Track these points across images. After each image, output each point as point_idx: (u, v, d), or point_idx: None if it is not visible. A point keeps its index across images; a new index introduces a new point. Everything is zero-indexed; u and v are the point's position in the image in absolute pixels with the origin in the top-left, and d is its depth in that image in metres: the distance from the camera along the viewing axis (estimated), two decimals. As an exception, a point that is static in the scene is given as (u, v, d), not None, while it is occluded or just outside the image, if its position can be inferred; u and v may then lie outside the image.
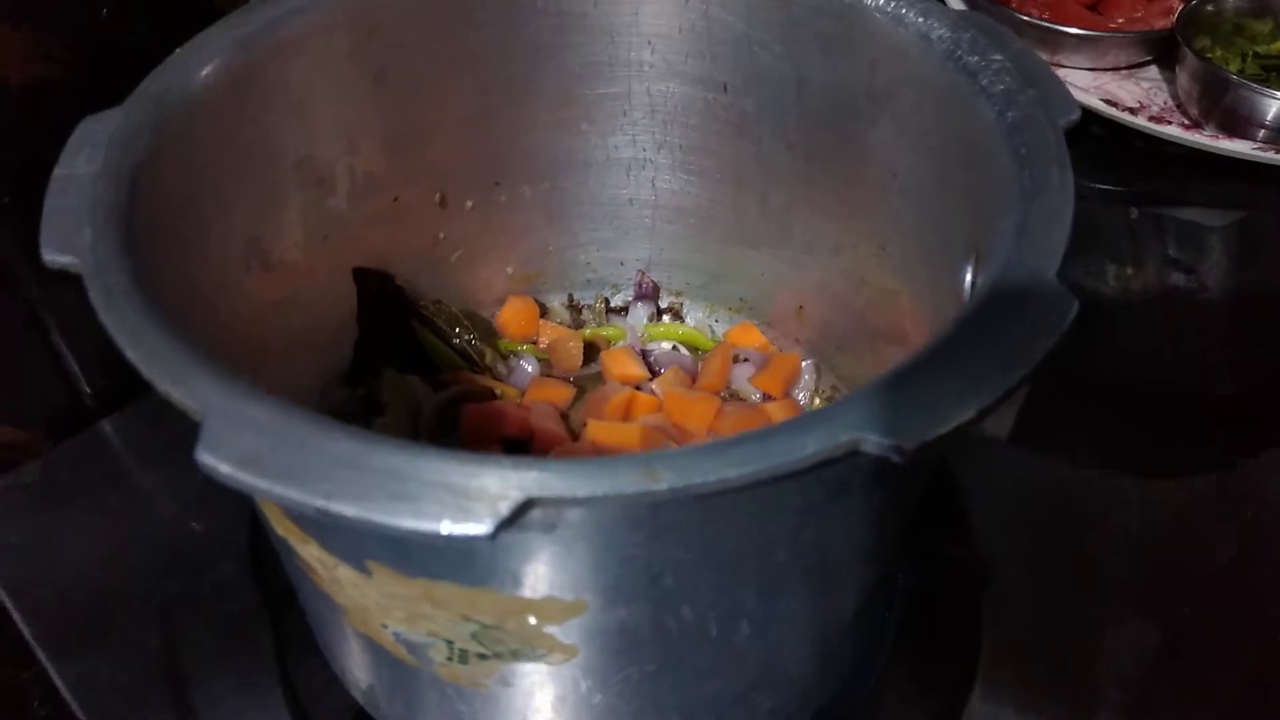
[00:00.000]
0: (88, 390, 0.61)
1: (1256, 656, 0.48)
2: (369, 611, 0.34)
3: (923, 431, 0.26)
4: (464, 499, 0.24)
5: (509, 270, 0.58)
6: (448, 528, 0.24)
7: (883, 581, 0.45)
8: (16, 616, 0.50)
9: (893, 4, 0.42)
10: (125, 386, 0.58)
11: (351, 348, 0.53)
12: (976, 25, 0.40)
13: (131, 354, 0.29)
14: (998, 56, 0.38)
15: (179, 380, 0.28)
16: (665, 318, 0.59)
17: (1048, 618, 0.50)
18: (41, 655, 0.49)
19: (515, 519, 0.25)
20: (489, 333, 0.58)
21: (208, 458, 0.25)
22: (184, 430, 0.27)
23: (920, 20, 0.41)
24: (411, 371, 0.54)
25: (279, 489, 0.25)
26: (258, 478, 0.25)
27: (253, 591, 0.51)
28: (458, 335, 0.56)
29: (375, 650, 0.38)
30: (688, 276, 0.59)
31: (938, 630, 0.49)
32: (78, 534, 0.54)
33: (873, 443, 0.26)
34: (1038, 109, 0.36)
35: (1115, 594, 0.50)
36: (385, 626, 0.35)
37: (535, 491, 0.25)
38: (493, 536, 0.24)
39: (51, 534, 0.54)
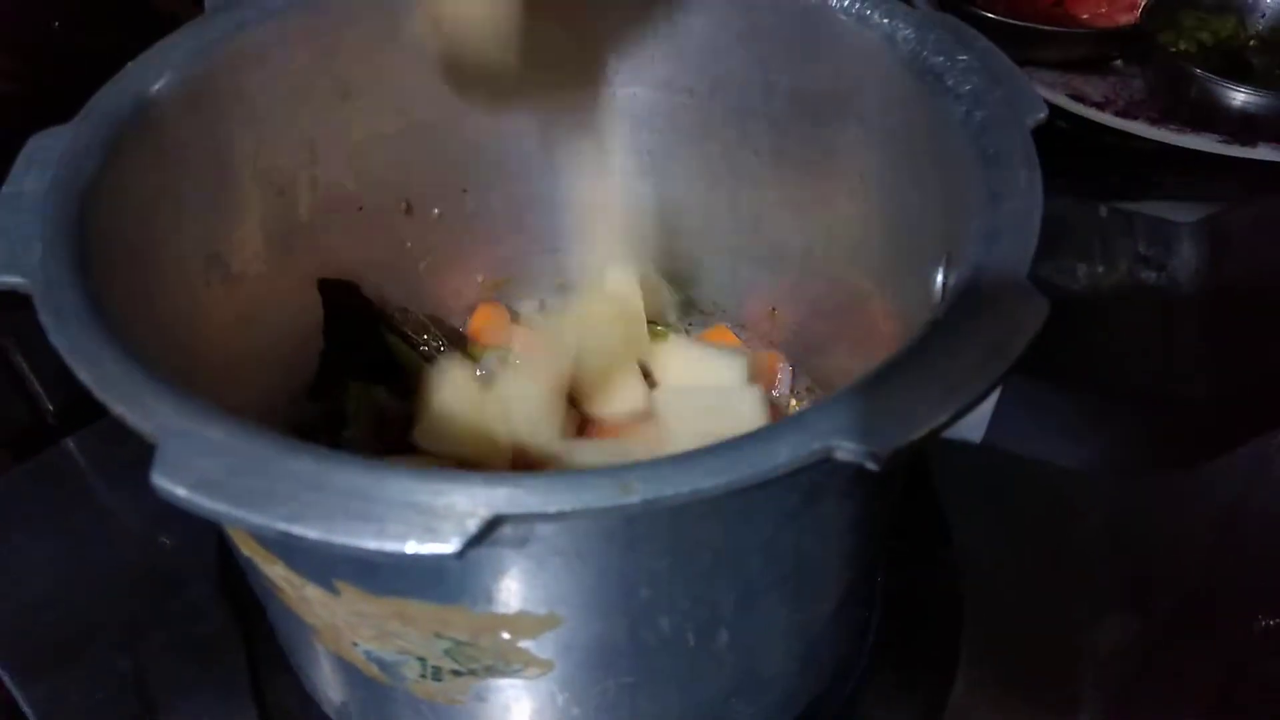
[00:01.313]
0: (50, 408, 0.60)
1: (1236, 651, 0.49)
2: (339, 630, 0.34)
3: (896, 437, 0.26)
4: (430, 518, 0.24)
5: (479, 278, 0.57)
6: (413, 548, 0.23)
7: (862, 583, 0.45)
8: (-20, 638, 0.49)
9: (857, 5, 0.42)
10: (88, 404, 0.57)
11: (318, 360, 0.52)
12: (942, 25, 0.40)
13: (84, 376, 0.28)
14: (963, 56, 0.38)
15: (133, 402, 0.27)
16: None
17: (1028, 615, 0.50)
18: (5, 678, 0.48)
19: (483, 537, 0.24)
20: (459, 341, 0.57)
21: (163, 482, 0.25)
22: (149, 448, 0.26)
23: (885, 21, 0.41)
24: (379, 381, 0.53)
25: (239, 513, 0.24)
26: (216, 501, 0.24)
27: (223, 609, 0.50)
28: (425, 342, 0.55)
29: (347, 669, 0.37)
30: (659, 279, 0.58)
31: (919, 630, 0.49)
32: (42, 553, 0.53)
33: (846, 450, 0.26)
34: (1005, 109, 0.36)
35: (1095, 591, 0.51)
36: (356, 645, 0.34)
37: (504, 508, 0.24)
38: (460, 555, 0.24)
39: (15, 553, 0.53)
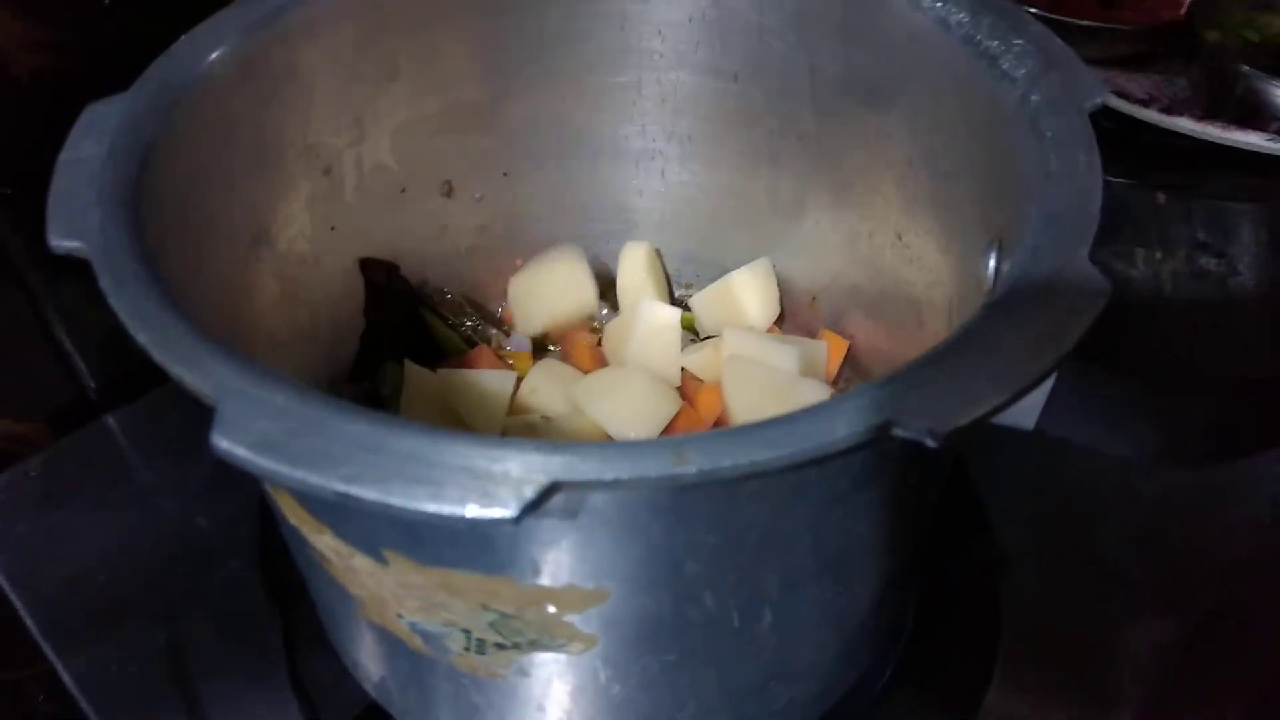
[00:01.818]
0: (92, 385, 0.60)
1: (1277, 653, 0.48)
2: (384, 602, 0.34)
3: (956, 416, 0.25)
4: (487, 483, 0.24)
5: (518, 262, 0.57)
6: (473, 511, 0.23)
7: (903, 572, 0.44)
8: (22, 611, 0.50)
9: (910, -12, 0.41)
10: (129, 381, 0.57)
11: (358, 340, 0.52)
12: (995, 9, 0.39)
13: (143, 337, 0.28)
14: (1018, 40, 0.38)
15: (192, 364, 0.27)
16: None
17: (1067, 612, 0.49)
18: (48, 650, 0.48)
19: (540, 503, 0.24)
20: (497, 323, 0.57)
21: (224, 442, 0.25)
22: (188, 424, 0.26)
23: (938, 4, 0.41)
24: (420, 362, 0.54)
25: (299, 473, 0.24)
26: (276, 462, 0.24)
27: (260, 586, 0.50)
28: (464, 324, 0.55)
29: (389, 642, 0.37)
30: (698, 268, 0.58)
31: (956, 623, 0.49)
32: (83, 528, 0.53)
33: (906, 426, 0.25)
34: (1061, 92, 0.35)
35: (1135, 589, 0.50)
36: (401, 617, 0.34)
37: (560, 475, 0.24)
38: (517, 521, 0.24)
39: (56, 528, 0.53)
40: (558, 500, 0.25)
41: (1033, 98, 0.35)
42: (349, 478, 0.24)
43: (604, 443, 0.25)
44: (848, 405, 0.26)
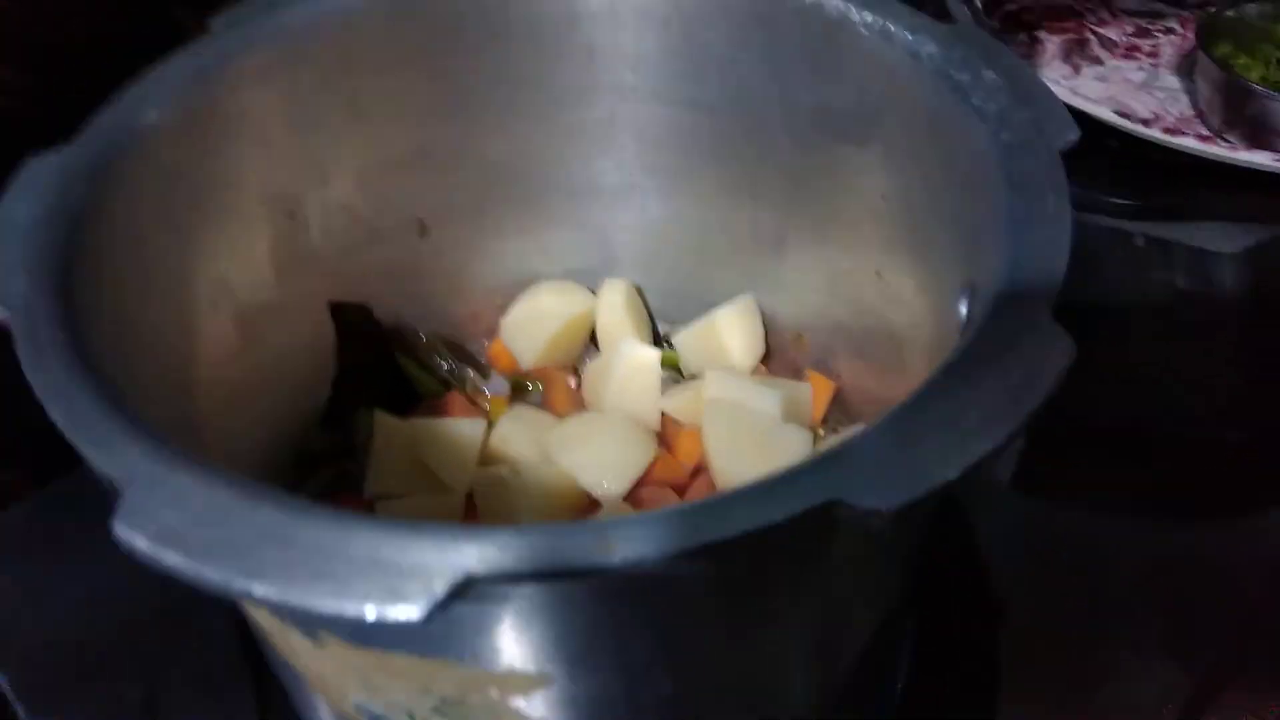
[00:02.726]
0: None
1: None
2: (327, 680, 0.32)
3: (903, 494, 0.24)
4: (395, 578, 0.22)
5: (496, 301, 0.56)
6: (374, 611, 0.22)
7: (886, 631, 0.43)
8: (-4, 670, 0.49)
9: (880, 21, 0.40)
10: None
11: (330, 387, 0.51)
12: (968, 41, 0.38)
13: (55, 414, 0.27)
14: (990, 74, 0.36)
15: (103, 445, 0.26)
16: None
17: (1067, 664, 0.47)
18: (20, 711, 0.47)
19: (451, 600, 0.22)
20: (479, 367, 0.56)
21: (124, 531, 0.24)
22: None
23: (909, 37, 0.39)
24: (395, 406, 0.52)
25: (196, 568, 0.23)
26: (175, 554, 0.23)
27: (235, 643, 0.49)
28: (441, 365, 0.54)
29: (341, 718, 0.35)
30: (681, 304, 0.56)
31: (953, 675, 0.47)
32: (60, 581, 0.52)
33: (847, 507, 0.24)
34: (1033, 131, 0.33)
35: (1136, 639, 0.48)
36: (345, 696, 0.33)
37: (475, 568, 0.23)
38: (427, 621, 0.22)
39: (33, 581, 0.52)
40: (484, 588, 0.24)
41: (1003, 135, 0.34)
42: (249, 573, 0.23)
43: (524, 529, 0.23)
44: (786, 484, 0.24)
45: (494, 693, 0.29)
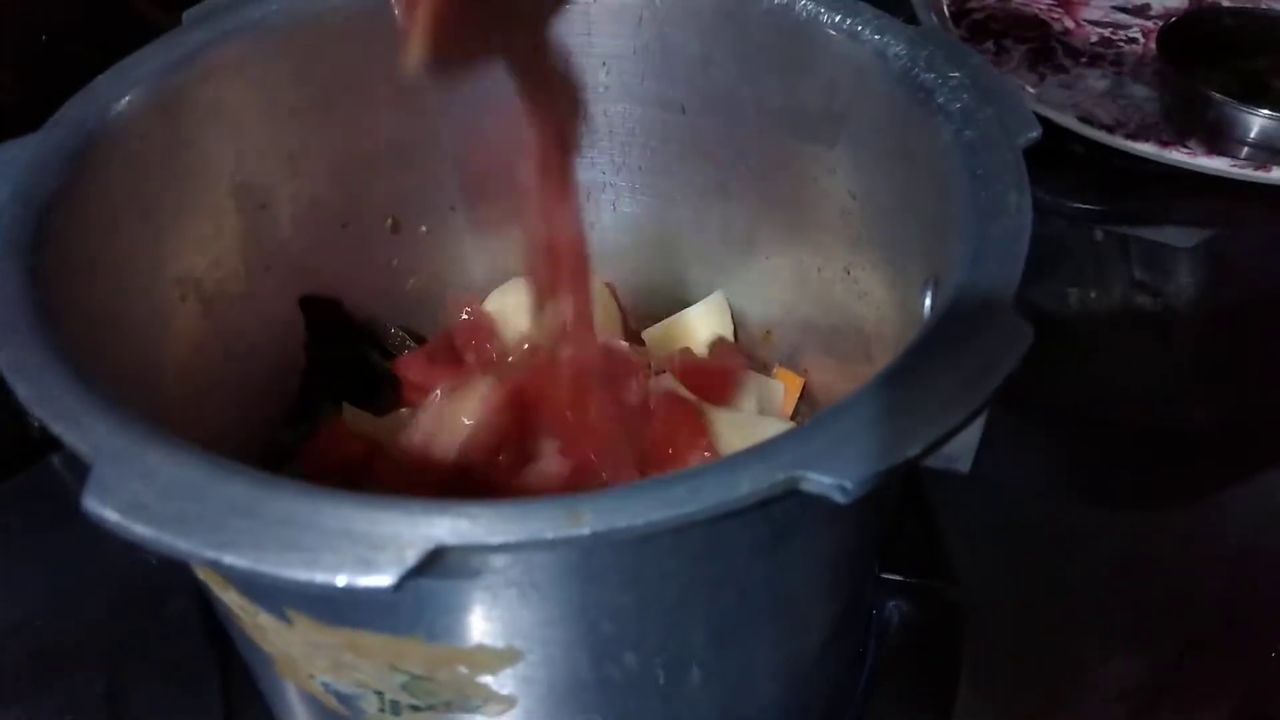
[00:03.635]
0: (36, 424, 0.59)
1: (1248, 694, 0.47)
2: (295, 661, 0.32)
3: (865, 469, 0.24)
4: (366, 548, 0.23)
5: (468, 297, 0.56)
6: (345, 580, 0.22)
7: (850, 619, 0.43)
8: (-42, 662, 0.48)
9: (848, 21, 0.40)
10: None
11: (299, 383, 0.51)
12: (935, 42, 0.38)
13: (22, 392, 0.27)
14: (955, 74, 0.37)
15: (71, 421, 0.26)
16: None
17: (1031, 654, 0.48)
18: (-18, 702, 0.47)
19: (423, 569, 0.23)
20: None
21: (94, 504, 0.24)
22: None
23: (876, 37, 0.40)
24: (364, 401, 0.52)
25: (167, 538, 0.23)
26: (145, 526, 0.23)
27: (201, 632, 0.49)
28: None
29: (308, 700, 0.36)
30: (653, 301, 0.57)
31: (917, 667, 0.48)
32: (23, 573, 0.52)
33: (812, 481, 0.24)
34: (996, 128, 0.34)
35: (1099, 628, 0.49)
36: (313, 676, 0.33)
37: (446, 539, 0.23)
38: (397, 588, 0.22)
39: (-1, 572, 0.52)
40: (454, 560, 0.24)
41: (966, 132, 0.34)
42: (220, 544, 0.23)
43: (496, 502, 0.24)
44: (753, 459, 0.24)
45: (463, 669, 0.29)
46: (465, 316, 0.53)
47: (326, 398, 0.51)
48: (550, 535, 0.23)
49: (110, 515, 0.23)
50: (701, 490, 0.24)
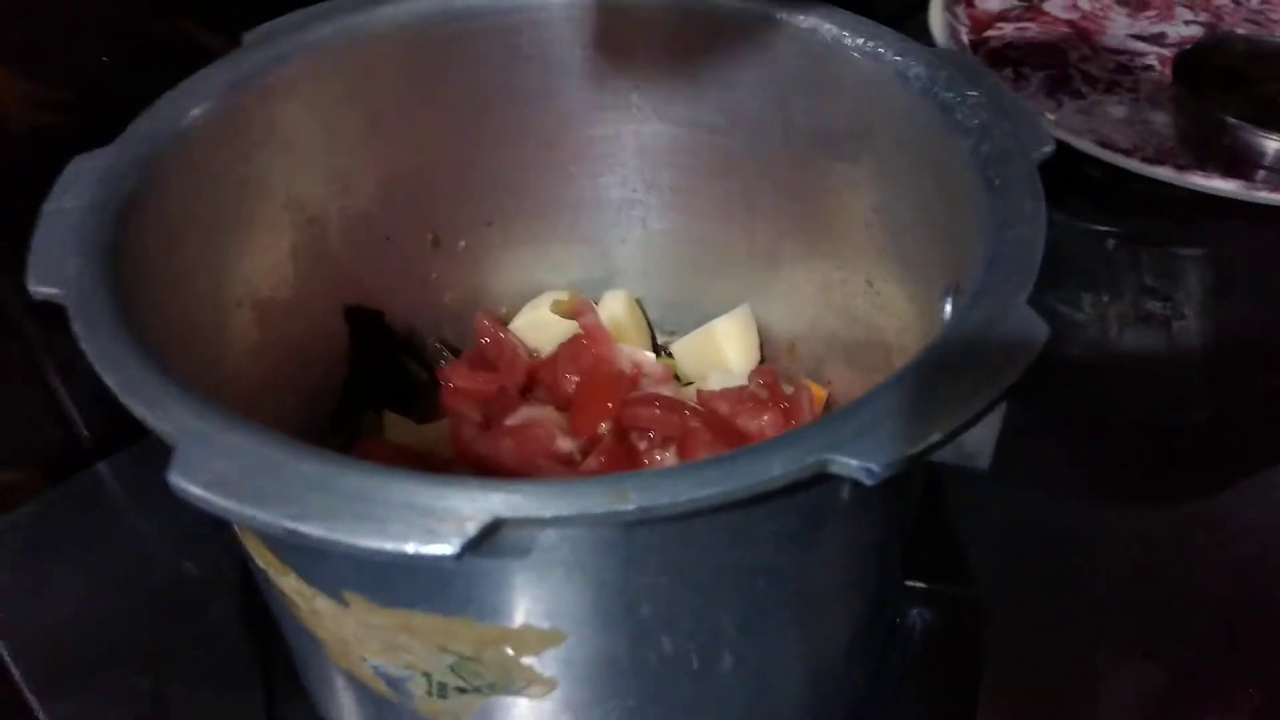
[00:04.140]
0: (85, 433, 0.61)
1: (1262, 701, 0.47)
2: (347, 644, 0.34)
3: (891, 453, 0.26)
4: (431, 519, 0.25)
5: (503, 310, 0.58)
6: (413, 548, 0.24)
7: (875, 617, 0.45)
8: (7, 659, 0.50)
9: (870, 43, 0.43)
10: (123, 429, 0.58)
11: (342, 389, 0.53)
12: (953, 62, 0.41)
13: (110, 380, 0.29)
14: (973, 92, 0.39)
15: (155, 406, 0.28)
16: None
17: (1048, 659, 0.49)
18: (30, 699, 0.49)
19: (482, 540, 0.25)
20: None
21: (179, 480, 0.26)
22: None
23: (898, 59, 0.42)
24: (405, 410, 0.54)
25: (248, 510, 0.25)
26: (227, 499, 0.25)
27: (243, 634, 0.51)
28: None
29: (357, 686, 0.37)
30: (680, 315, 0.59)
31: (937, 672, 0.49)
32: (72, 576, 0.54)
33: (841, 464, 0.26)
34: (1012, 142, 0.36)
35: (1116, 633, 0.49)
36: (364, 660, 0.34)
37: (503, 512, 0.25)
38: (459, 557, 0.24)
39: (45, 576, 0.54)
40: (507, 538, 0.26)
41: (984, 147, 0.36)
42: (297, 515, 0.25)
43: (548, 480, 0.26)
44: (785, 443, 0.26)
45: (509, 649, 0.31)
46: (485, 341, 0.55)
47: (368, 405, 0.54)
48: (599, 510, 0.25)
49: (195, 490, 0.25)
50: (737, 471, 0.26)
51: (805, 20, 0.45)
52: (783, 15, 0.46)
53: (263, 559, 0.34)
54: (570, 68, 0.51)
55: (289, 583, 0.33)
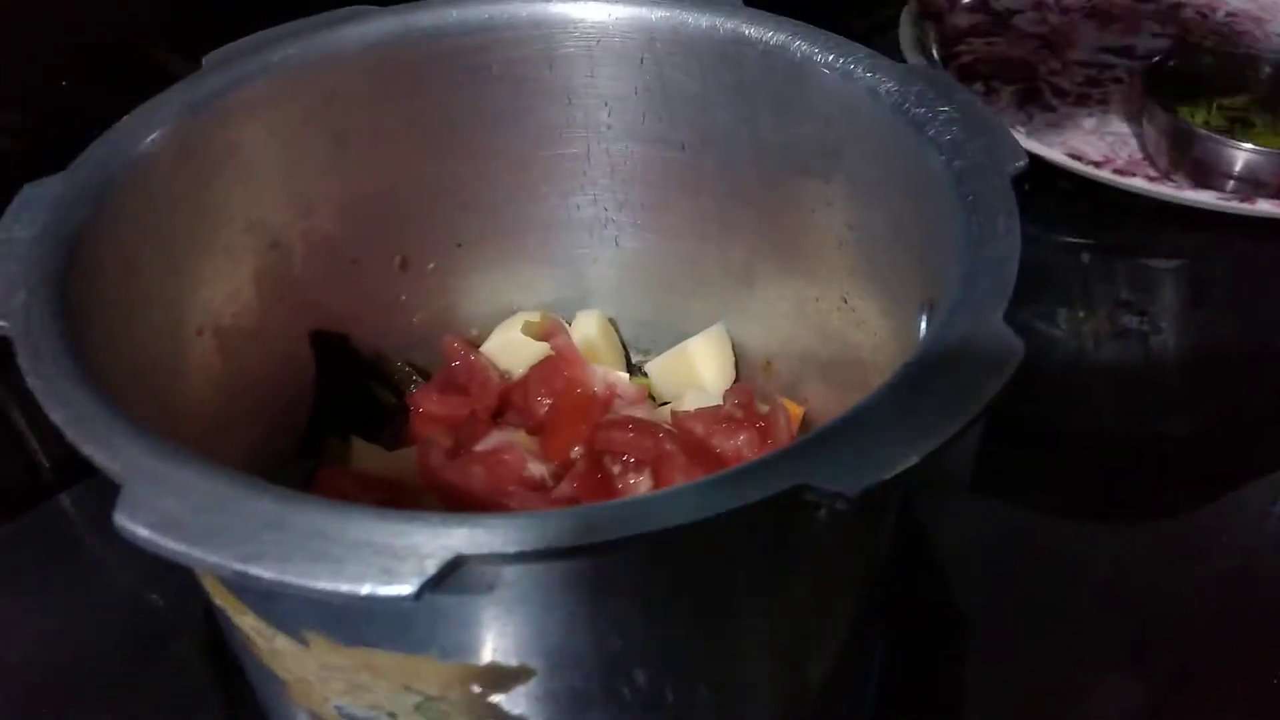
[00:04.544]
0: (45, 464, 0.59)
1: (1246, 712, 0.47)
2: (310, 685, 0.33)
3: (866, 478, 0.25)
4: (388, 558, 0.23)
5: (474, 332, 0.57)
6: (369, 589, 0.23)
7: (855, 640, 0.44)
8: (-35, 700, 0.49)
9: (841, 60, 0.42)
10: (84, 460, 0.57)
11: (307, 416, 0.52)
12: (924, 78, 0.40)
13: (56, 415, 0.28)
14: (944, 108, 0.38)
15: (102, 442, 0.27)
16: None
17: (1032, 673, 0.48)
18: (-10, 738, 0.47)
19: (443, 578, 0.24)
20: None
21: (124, 520, 0.25)
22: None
23: (869, 75, 0.41)
24: (373, 437, 0.53)
25: (195, 552, 0.24)
26: (175, 541, 0.24)
27: (207, 668, 0.49)
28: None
29: (322, 725, 0.36)
30: (654, 334, 0.58)
31: (920, 689, 0.48)
32: (31, 611, 0.52)
33: (816, 489, 0.25)
34: (985, 157, 0.36)
35: (1097, 649, 0.49)
36: (328, 700, 0.33)
37: (465, 548, 0.24)
38: (418, 597, 0.23)
39: (6, 611, 0.52)
40: (471, 574, 0.25)
41: (956, 163, 0.36)
42: (248, 556, 0.24)
43: (512, 514, 0.25)
44: (760, 470, 0.25)
45: (475, 689, 0.30)
46: (455, 364, 0.54)
47: (334, 431, 0.52)
48: (565, 544, 0.24)
49: (141, 531, 0.24)
50: (712, 498, 0.25)
51: (775, 38, 0.45)
52: (753, 33, 0.45)
53: (220, 598, 0.33)
54: (539, 87, 0.50)
55: (247, 621, 0.32)
